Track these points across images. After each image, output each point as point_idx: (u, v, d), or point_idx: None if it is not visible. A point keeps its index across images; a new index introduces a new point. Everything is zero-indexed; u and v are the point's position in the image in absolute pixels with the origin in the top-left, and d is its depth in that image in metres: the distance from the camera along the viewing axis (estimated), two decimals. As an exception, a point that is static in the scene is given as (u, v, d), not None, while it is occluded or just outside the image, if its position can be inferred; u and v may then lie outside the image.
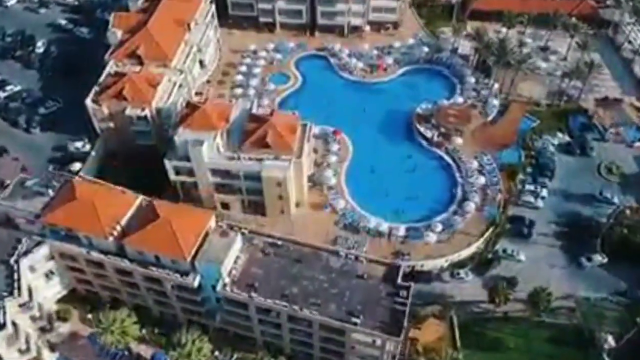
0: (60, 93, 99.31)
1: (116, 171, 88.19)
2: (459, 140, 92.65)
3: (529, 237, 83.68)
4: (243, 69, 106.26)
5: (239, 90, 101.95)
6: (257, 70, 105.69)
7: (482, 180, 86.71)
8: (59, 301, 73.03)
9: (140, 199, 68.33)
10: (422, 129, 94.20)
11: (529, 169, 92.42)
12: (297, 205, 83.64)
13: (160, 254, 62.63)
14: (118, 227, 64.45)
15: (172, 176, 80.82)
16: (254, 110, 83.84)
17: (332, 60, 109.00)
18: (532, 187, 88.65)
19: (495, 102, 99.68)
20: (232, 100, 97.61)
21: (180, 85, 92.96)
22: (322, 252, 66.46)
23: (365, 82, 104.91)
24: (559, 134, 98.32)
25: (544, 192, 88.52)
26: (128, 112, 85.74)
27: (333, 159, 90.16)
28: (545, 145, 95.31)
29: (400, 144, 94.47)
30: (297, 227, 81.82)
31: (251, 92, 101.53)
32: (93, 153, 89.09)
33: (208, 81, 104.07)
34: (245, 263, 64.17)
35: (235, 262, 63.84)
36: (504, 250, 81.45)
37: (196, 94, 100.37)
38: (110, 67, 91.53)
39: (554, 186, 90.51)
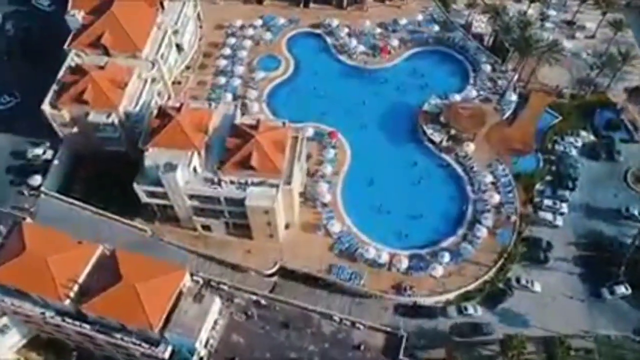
0: (18, 84, 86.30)
1: (83, 184, 78.49)
2: (470, 147, 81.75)
3: (545, 263, 75.17)
4: (227, 51, 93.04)
5: (222, 79, 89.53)
6: (243, 54, 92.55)
7: (496, 198, 76.77)
8: (23, 347, 65.43)
9: (100, 249, 58.67)
10: (429, 131, 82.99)
11: (547, 177, 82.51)
12: (287, 226, 74.31)
13: (124, 322, 54.16)
14: (75, 287, 55.48)
15: (144, 199, 70.79)
16: (237, 119, 72.64)
17: (328, 40, 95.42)
18: (550, 203, 78.83)
19: (514, 96, 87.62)
20: (213, 93, 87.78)
21: (154, 80, 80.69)
22: (313, 314, 57.93)
23: (366, 69, 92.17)
24: (583, 133, 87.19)
25: (564, 208, 78.88)
26: (91, 118, 74.26)
27: (328, 168, 79.59)
28: (568, 149, 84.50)
29: (405, 147, 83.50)
30: (287, 252, 73.13)
31: (236, 81, 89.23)
32: (56, 162, 78.46)
33: (188, 67, 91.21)
34: (224, 329, 55.96)
35: (213, 327, 55.54)
36: (518, 280, 73.00)
37: (174, 83, 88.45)
38: (71, 59, 78.96)
39: (575, 198, 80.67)
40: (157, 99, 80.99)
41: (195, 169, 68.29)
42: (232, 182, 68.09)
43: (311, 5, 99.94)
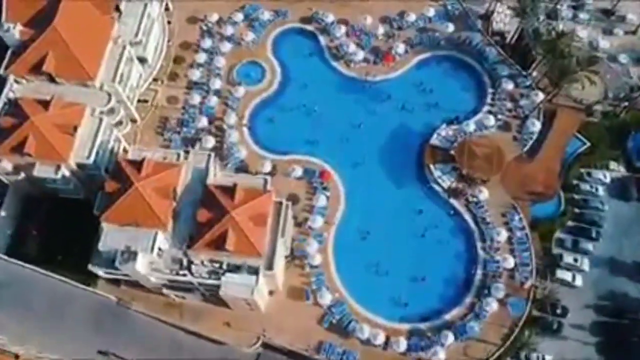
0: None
1: (36, 240, 68.29)
2: (484, 193, 70.55)
3: (559, 331, 67.29)
4: (202, 58, 78.19)
5: (196, 96, 75.85)
6: (220, 62, 77.87)
7: (510, 261, 67.13)
8: None
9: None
10: (437, 173, 71.41)
11: (569, 223, 72.30)
12: (271, 293, 65.53)
13: None
14: None
15: (104, 276, 61.23)
16: (211, 178, 61.07)
17: (322, 40, 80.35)
18: (571, 259, 69.34)
19: (537, 124, 74.79)
20: (186, 114, 74.88)
21: (112, 111, 67.69)
22: None
23: (366, 80, 78.07)
24: (613, 165, 75.68)
25: (585, 264, 69.62)
26: (37, 173, 62.57)
27: (319, 221, 68.80)
28: (594, 188, 73.48)
29: (408, 189, 72.05)
30: (270, 323, 64.98)
31: (213, 100, 75.71)
32: (2, 214, 67.73)
33: (155, 79, 76.97)
34: None
35: None
36: (527, 358, 65.47)
37: (139, 101, 75.07)
38: (9, 90, 65.46)
39: (599, 250, 71.00)
40: (117, 133, 68.62)
41: (160, 249, 58.02)
42: (203, 264, 58.27)
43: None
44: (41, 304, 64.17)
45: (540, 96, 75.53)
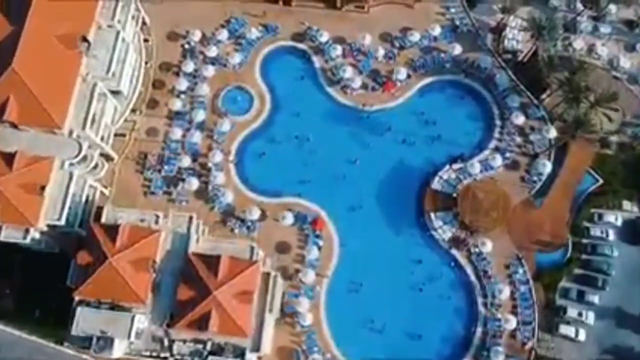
0: None
1: (11, 296, 64.38)
2: (487, 245, 65.93)
3: (559, 390, 65.18)
4: (184, 85, 70.90)
5: (177, 130, 69.43)
6: (204, 90, 70.73)
7: (512, 322, 63.50)
8: None
9: None
10: (437, 223, 66.48)
11: (576, 270, 68.43)
12: (259, 358, 62.33)
13: None
14: None
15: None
16: (193, 243, 56.38)
17: (316, 61, 72.96)
18: (575, 314, 65.84)
19: (548, 165, 69.02)
20: (167, 149, 69.09)
21: (85, 158, 61.75)
22: None
23: (364, 110, 71.55)
24: (626, 204, 70.75)
25: (590, 317, 66.21)
26: (3, 237, 57.69)
27: (310, 275, 64.33)
28: (604, 233, 68.94)
29: (405, 236, 67.29)
30: (259, 386, 62.38)
31: (196, 135, 69.29)
32: (-28, 270, 63.55)
33: (133, 110, 70.14)
34: None
35: None
36: None
37: (117, 135, 68.78)
38: (-30, 137, 59.45)
39: (605, 300, 67.46)
40: (91, 181, 63.14)
41: (139, 327, 54.19)
42: (186, 343, 54.69)
43: (294, 3, 74.84)
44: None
45: (552, 131, 69.50)
